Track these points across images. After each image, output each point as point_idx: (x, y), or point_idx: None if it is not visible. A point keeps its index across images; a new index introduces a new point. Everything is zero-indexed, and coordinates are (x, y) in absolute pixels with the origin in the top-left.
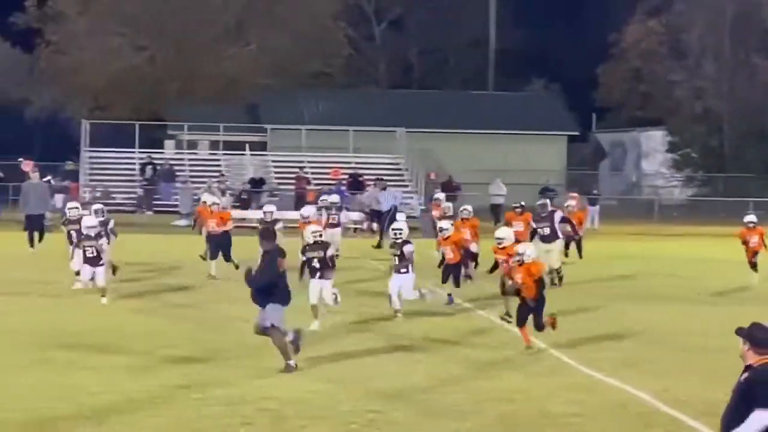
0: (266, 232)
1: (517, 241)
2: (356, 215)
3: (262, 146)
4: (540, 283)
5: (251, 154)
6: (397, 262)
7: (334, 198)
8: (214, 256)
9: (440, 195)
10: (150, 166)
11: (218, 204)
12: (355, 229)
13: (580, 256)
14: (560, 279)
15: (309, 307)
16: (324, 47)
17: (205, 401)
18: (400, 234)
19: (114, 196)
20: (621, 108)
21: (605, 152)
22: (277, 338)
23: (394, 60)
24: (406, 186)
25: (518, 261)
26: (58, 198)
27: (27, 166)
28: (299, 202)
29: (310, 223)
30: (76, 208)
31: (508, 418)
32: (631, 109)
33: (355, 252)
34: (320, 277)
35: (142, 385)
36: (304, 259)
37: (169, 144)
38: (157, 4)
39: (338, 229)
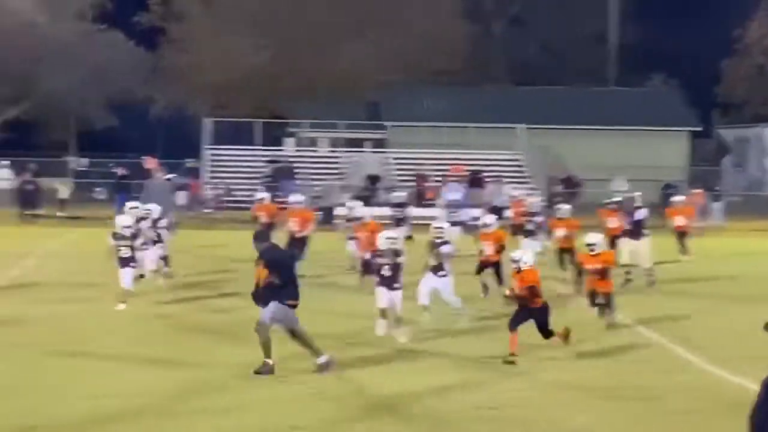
0: (259, 234)
1: (613, 239)
2: (477, 212)
3: (382, 143)
4: (535, 291)
5: (371, 152)
6: (435, 263)
7: (455, 195)
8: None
9: (514, 192)
10: (274, 164)
11: (300, 202)
12: (476, 225)
13: (687, 251)
14: (652, 282)
15: (377, 311)
16: (444, 44)
17: (321, 396)
18: (442, 233)
19: (235, 193)
20: (744, 104)
21: (728, 148)
22: (263, 335)
23: (514, 56)
24: (526, 183)
25: (516, 268)
26: (180, 195)
27: (150, 163)
28: (419, 199)
29: (365, 225)
30: (137, 208)
31: (625, 415)
32: (754, 105)
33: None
34: (390, 287)
35: (256, 384)
36: (372, 260)
37: (289, 141)
38: (279, 3)
39: (457, 228)
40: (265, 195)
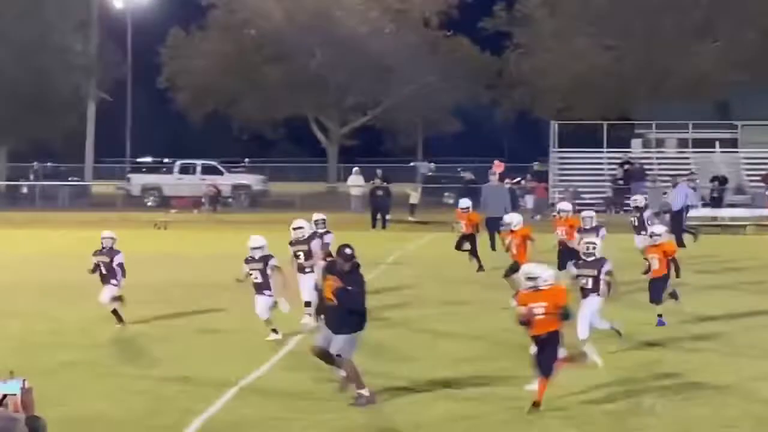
0: (341, 253)
1: None
2: None
3: (732, 143)
4: (562, 316)
5: (721, 152)
6: (589, 285)
7: None
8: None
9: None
10: (625, 165)
11: (567, 211)
12: None
13: None
14: None
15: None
16: None
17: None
18: (594, 249)
19: (583, 196)
20: None
21: None
22: (349, 367)
23: None
24: None
25: (532, 287)
26: (528, 199)
27: (498, 167)
28: None
29: (568, 222)
30: (301, 228)
31: None
32: None
33: None
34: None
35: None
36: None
37: (635, 143)
38: (625, 3)
39: None
40: (468, 203)
